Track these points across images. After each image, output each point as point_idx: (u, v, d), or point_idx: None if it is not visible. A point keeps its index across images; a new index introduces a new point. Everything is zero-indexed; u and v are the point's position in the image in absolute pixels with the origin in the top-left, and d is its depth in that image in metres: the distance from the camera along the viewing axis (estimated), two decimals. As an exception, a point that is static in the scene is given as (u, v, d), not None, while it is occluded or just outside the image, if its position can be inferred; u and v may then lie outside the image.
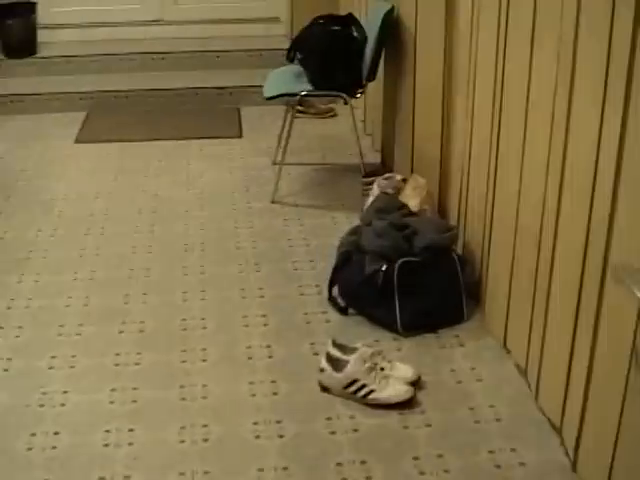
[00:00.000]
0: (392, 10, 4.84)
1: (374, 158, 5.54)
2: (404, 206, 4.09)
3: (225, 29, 7.31)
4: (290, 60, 5.07)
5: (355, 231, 4.07)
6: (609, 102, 2.58)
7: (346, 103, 4.92)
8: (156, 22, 7.34)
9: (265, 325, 3.84)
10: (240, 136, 6.06)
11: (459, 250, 4.05)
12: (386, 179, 4.54)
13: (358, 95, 4.94)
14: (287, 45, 6.98)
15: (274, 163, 5.52)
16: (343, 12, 6.53)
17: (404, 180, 4.54)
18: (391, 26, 4.86)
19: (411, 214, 4.06)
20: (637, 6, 2.36)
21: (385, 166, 5.39)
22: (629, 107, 2.46)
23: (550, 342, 3.19)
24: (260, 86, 5.94)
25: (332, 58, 4.84)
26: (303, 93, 4.85)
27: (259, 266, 4.34)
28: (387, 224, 3.86)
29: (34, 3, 7.03)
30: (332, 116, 6.37)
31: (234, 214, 4.89)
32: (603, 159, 2.64)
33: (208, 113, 6.47)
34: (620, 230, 2.58)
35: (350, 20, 5.10)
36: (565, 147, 2.93)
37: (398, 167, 5.07)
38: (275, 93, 4.87)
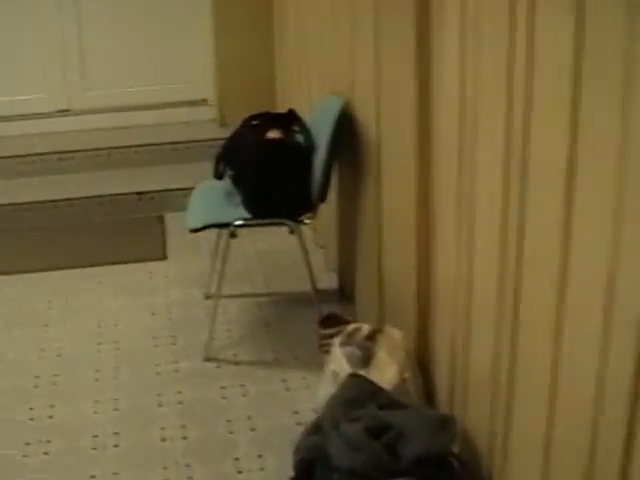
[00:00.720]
0: (346, 108, 3.78)
1: (329, 282, 4.49)
2: (379, 391, 3.03)
3: (144, 117, 6.23)
4: (218, 177, 4.00)
5: (316, 428, 3.00)
6: None
7: (292, 232, 3.84)
8: (63, 113, 6.22)
9: None
10: (164, 257, 4.97)
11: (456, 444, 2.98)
12: (350, 336, 3.47)
13: (307, 220, 3.86)
14: (217, 131, 5.99)
15: (207, 297, 4.43)
16: (280, 96, 5.52)
17: (373, 334, 3.47)
18: (346, 129, 3.80)
19: (391, 404, 2.98)
20: None
21: (345, 294, 4.34)
22: None
23: None
24: (187, 189, 4.96)
25: (272, 176, 3.79)
26: (237, 223, 3.76)
27: (190, 469, 3.26)
28: (361, 430, 2.80)
29: None
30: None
31: (157, 381, 3.80)
32: None
33: (125, 226, 5.38)
34: None
35: (292, 119, 4.05)
36: None
37: (361, 303, 4.04)
38: (201, 224, 3.82)
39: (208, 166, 5.41)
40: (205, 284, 4.52)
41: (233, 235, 3.76)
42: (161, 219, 5.45)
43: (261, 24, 5.94)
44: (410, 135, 3.25)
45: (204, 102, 6.28)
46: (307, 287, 4.19)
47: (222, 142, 5.42)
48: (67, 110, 6.23)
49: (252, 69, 6.01)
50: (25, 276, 4.80)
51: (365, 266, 3.94)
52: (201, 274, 4.68)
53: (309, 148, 3.82)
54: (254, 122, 4.07)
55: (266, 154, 3.79)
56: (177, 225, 5.29)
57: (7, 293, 4.63)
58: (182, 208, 5.16)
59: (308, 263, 4.01)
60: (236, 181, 3.93)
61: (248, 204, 3.80)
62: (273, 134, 3.88)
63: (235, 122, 5.83)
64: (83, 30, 6.09)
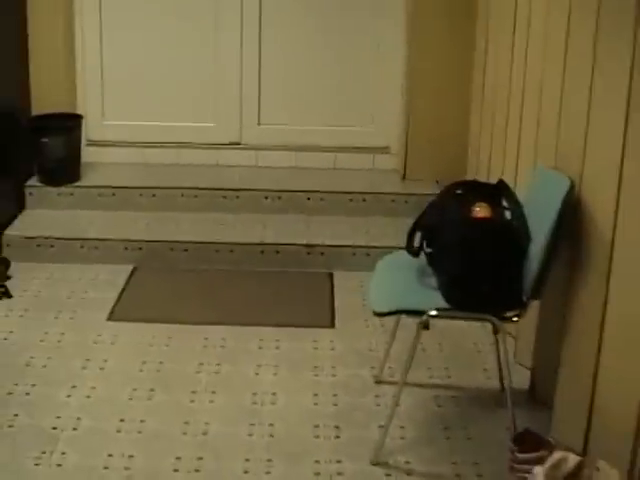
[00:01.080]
0: (572, 189, 3.15)
1: (518, 379, 3.84)
2: None
3: (318, 159, 5.71)
4: (413, 253, 3.42)
5: None
6: None
7: (496, 331, 3.23)
8: (233, 146, 5.76)
9: None
10: (332, 325, 4.41)
11: None
12: (556, 468, 2.84)
13: (515, 318, 3.23)
14: (397, 185, 5.44)
15: (377, 381, 3.85)
16: (473, 154, 4.93)
17: (580, 468, 2.84)
18: (569, 213, 3.18)
19: None
20: None
21: (536, 398, 3.71)
22: None
23: None
24: (361, 246, 4.46)
25: (479, 262, 3.18)
26: (432, 313, 3.17)
27: None
28: None
29: (79, 116, 5.50)
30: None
31: (316, 484, 3.21)
32: None
33: (290, 281, 4.85)
34: None
35: (502, 192, 3.45)
36: None
37: (560, 414, 3.41)
38: (389, 308, 3.24)
39: (385, 222, 4.91)
40: (377, 364, 3.95)
41: (426, 327, 3.16)
42: (330, 277, 4.91)
43: (460, 72, 5.36)
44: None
45: (386, 150, 5.74)
46: (495, 383, 3.64)
47: (405, 198, 4.93)
48: (237, 143, 5.76)
49: (443, 119, 5.45)
50: (176, 327, 4.33)
51: (573, 372, 3.32)
52: (371, 350, 4.14)
53: (522, 231, 3.21)
54: (458, 191, 3.47)
55: (474, 235, 3.19)
56: (347, 286, 4.78)
57: (155, 345, 4.15)
58: (354, 267, 4.69)
59: (507, 366, 3.39)
60: (433, 261, 3.35)
61: (447, 291, 3.21)
62: (481, 211, 3.29)
63: (417, 175, 5.33)
64: (263, 61, 5.62)
